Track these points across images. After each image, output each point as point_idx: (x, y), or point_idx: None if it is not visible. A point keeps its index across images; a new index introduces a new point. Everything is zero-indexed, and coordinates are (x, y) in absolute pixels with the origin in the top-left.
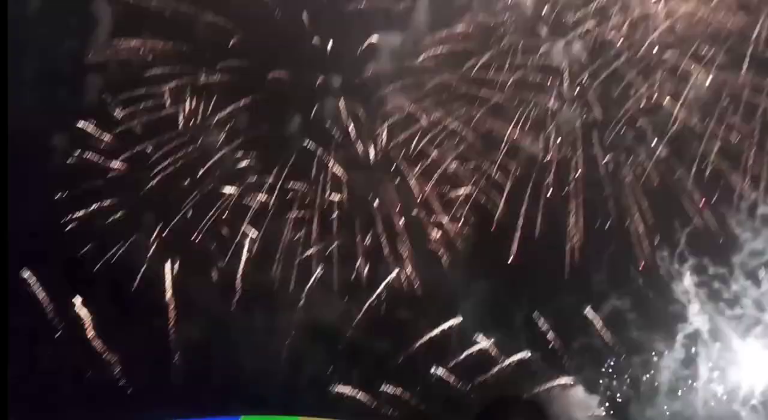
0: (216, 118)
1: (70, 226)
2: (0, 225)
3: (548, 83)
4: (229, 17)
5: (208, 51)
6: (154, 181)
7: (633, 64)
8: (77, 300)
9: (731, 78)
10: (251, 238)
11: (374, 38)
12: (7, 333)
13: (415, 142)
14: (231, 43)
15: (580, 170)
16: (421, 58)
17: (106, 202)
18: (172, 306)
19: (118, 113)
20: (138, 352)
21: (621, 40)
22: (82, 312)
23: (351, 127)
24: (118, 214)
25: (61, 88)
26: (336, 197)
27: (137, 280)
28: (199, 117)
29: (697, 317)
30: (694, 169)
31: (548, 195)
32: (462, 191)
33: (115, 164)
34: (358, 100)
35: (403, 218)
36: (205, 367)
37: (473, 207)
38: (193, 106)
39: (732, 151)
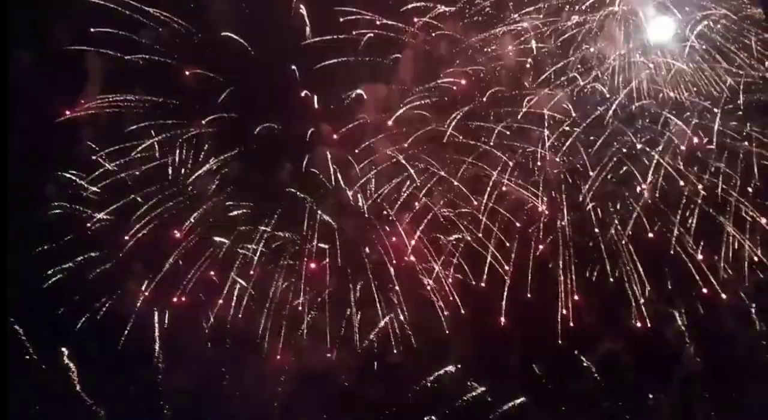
0: (206, 168)
1: (57, 277)
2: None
3: (534, 131)
4: (219, 71)
5: (199, 103)
6: (144, 232)
7: (615, 111)
8: (64, 351)
9: (711, 126)
10: (241, 286)
11: (361, 89)
12: (7, 336)
13: (404, 190)
14: (221, 97)
15: (566, 217)
16: (407, 108)
17: (94, 254)
18: (161, 356)
19: (108, 165)
20: (127, 403)
21: (603, 89)
22: (69, 363)
23: (340, 176)
24: (107, 266)
25: (50, 139)
26: (326, 245)
27: (126, 331)
28: (189, 167)
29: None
30: (679, 214)
31: (537, 241)
32: (453, 237)
33: (103, 215)
34: (347, 149)
35: (394, 264)
36: (196, 418)
37: (465, 253)
38: (183, 157)
39: (716, 195)
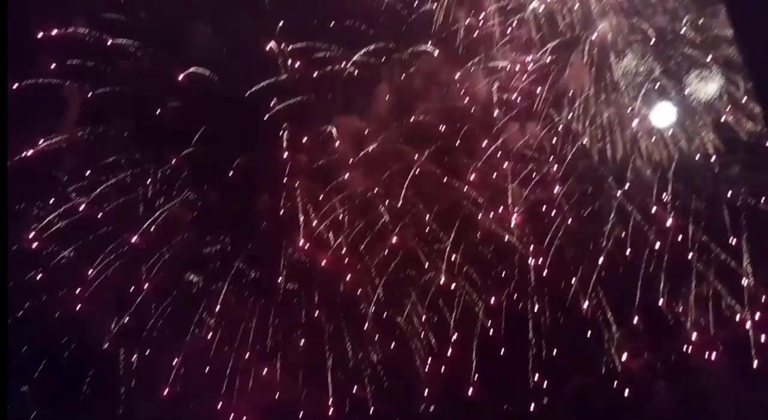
0: (178, 202)
1: (20, 314)
2: None
3: (506, 166)
4: (195, 104)
5: (174, 137)
6: (111, 270)
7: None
8: (25, 390)
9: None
10: (211, 324)
11: (336, 123)
12: (7, 333)
13: (377, 226)
14: (199, 133)
15: (541, 258)
16: (382, 142)
17: (61, 291)
18: (126, 396)
19: (77, 199)
20: None
21: (577, 124)
22: (32, 404)
23: (312, 212)
24: (73, 303)
25: (21, 170)
26: (294, 286)
27: (92, 371)
28: (161, 201)
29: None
30: (645, 255)
31: (509, 280)
32: (428, 277)
33: (68, 252)
34: (321, 183)
35: (372, 306)
36: None
37: (437, 294)
38: (155, 191)
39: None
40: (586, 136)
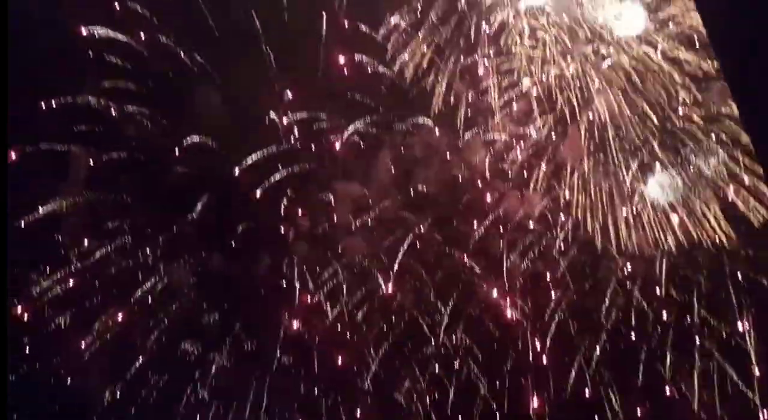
0: (178, 268)
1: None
2: None
3: (504, 235)
4: (198, 171)
5: (177, 203)
6: (107, 336)
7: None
8: None
9: None
10: (205, 397)
11: (337, 190)
12: (6, 336)
13: (377, 294)
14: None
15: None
16: (380, 211)
17: (55, 360)
18: None
19: (76, 264)
20: None
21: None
22: None
23: (310, 281)
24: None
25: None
26: (289, 359)
27: None
28: (162, 268)
29: None
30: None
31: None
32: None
33: (66, 318)
34: (321, 250)
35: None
36: None
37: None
38: (156, 256)
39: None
40: (587, 208)
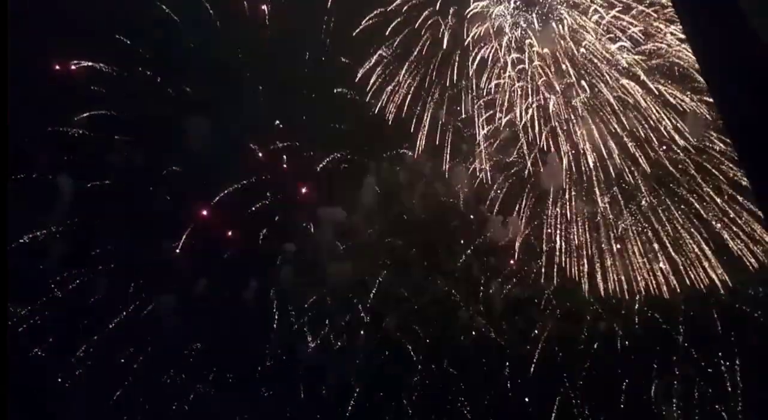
0: (163, 295)
1: None
2: None
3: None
4: (184, 198)
5: (163, 230)
6: (89, 364)
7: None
8: None
9: None
10: None
11: (321, 216)
12: (6, 336)
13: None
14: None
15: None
16: (364, 236)
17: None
18: None
19: (61, 291)
20: None
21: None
22: None
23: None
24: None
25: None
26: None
27: None
28: (146, 294)
29: None
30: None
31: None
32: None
33: (47, 348)
34: (305, 275)
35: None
36: None
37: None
38: (139, 284)
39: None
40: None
